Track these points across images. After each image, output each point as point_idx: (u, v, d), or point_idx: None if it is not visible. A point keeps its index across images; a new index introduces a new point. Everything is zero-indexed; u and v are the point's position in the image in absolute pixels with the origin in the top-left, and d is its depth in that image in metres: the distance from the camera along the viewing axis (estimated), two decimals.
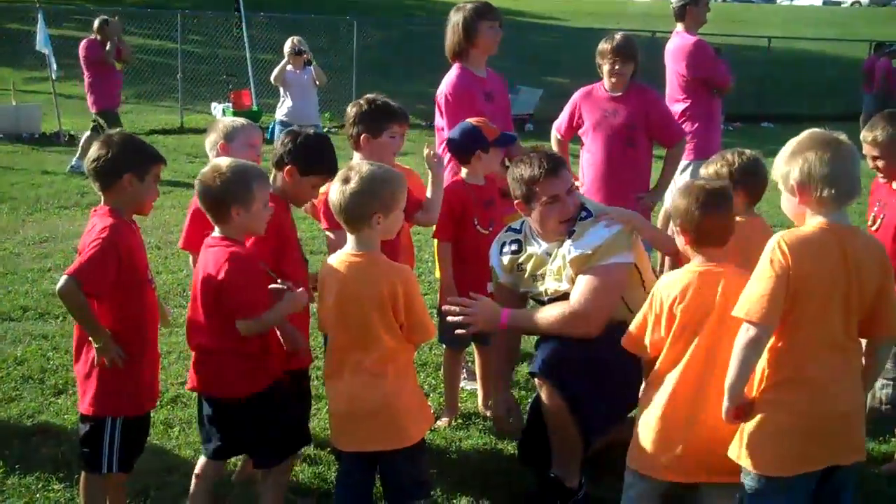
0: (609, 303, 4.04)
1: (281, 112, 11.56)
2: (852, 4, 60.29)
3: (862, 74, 19.57)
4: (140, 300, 3.72)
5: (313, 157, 4.14)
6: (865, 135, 4.56)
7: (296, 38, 11.61)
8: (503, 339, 4.57)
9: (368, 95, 4.74)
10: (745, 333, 3.09)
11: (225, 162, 3.59)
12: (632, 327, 3.58)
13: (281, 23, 19.58)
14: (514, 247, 4.43)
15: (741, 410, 3.18)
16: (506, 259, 4.44)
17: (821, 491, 3.20)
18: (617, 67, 5.84)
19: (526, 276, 4.38)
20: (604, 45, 5.93)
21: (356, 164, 3.58)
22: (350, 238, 3.54)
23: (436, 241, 5.00)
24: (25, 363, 5.83)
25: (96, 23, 12.49)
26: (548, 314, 4.11)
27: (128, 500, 4.05)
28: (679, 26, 7.43)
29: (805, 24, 35.69)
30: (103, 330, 3.57)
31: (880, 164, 4.55)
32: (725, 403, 3.18)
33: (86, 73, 12.34)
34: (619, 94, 5.93)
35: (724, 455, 3.25)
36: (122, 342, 3.62)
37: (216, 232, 3.62)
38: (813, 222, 3.13)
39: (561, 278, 4.18)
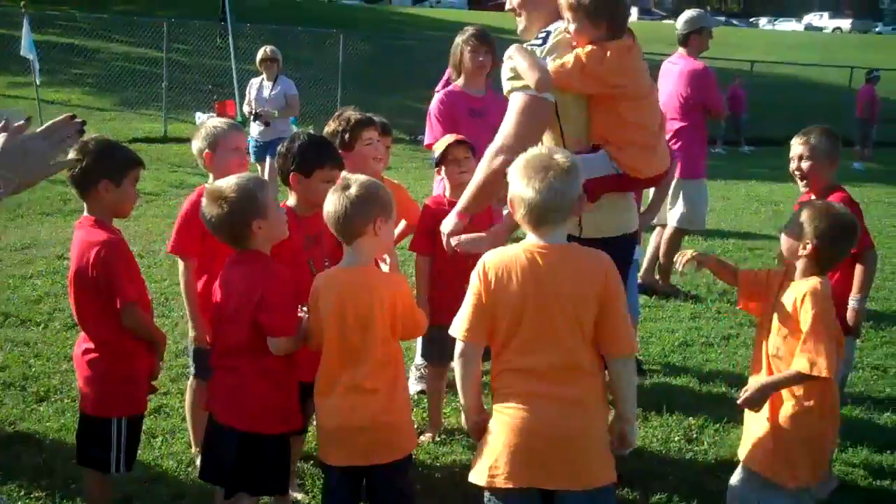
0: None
1: (255, 130, 11.03)
2: (834, 30, 60.99)
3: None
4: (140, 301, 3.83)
5: (312, 153, 4.14)
6: (801, 137, 4.53)
7: (269, 48, 11.40)
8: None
9: (338, 114, 4.79)
10: (456, 349, 3.26)
11: (223, 185, 3.55)
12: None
13: (267, 34, 19.57)
14: None
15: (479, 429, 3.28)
16: None
17: None
18: None
19: None
20: None
21: (351, 175, 3.59)
22: (347, 251, 3.54)
23: (415, 253, 5.02)
24: (7, 370, 5.80)
25: None
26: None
27: None
28: (681, 50, 7.89)
29: (787, 49, 36.00)
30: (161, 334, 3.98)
31: (805, 165, 4.48)
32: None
33: None
34: None
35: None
36: (127, 343, 3.77)
37: (238, 249, 3.58)
38: (523, 242, 3.20)
39: None
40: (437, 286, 4.87)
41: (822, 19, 68.25)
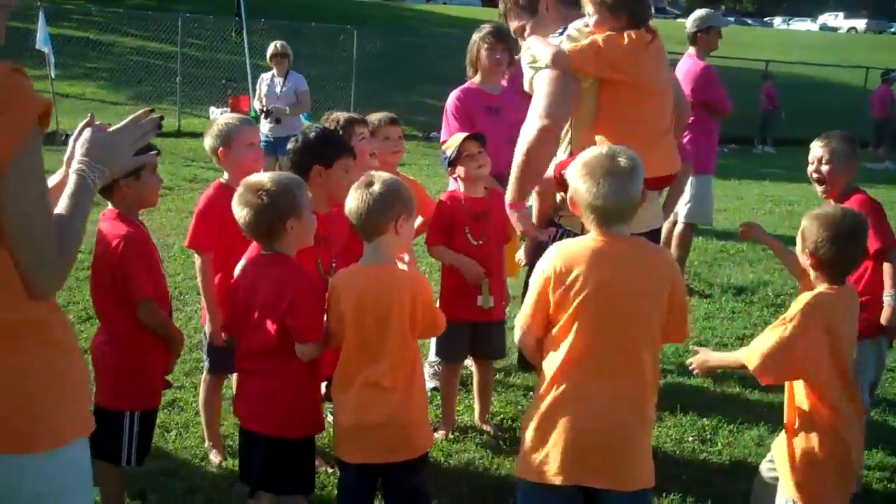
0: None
1: (265, 127, 10.71)
2: (848, 30, 60.72)
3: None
4: (158, 297, 3.83)
5: (333, 143, 4.16)
6: (822, 141, 4.53)
7: (279, 43, 11.30)
8: None
9: (325, 118, 4.84)
10: (515, 336, 3.36)
11: (264, 177, 3.50)
12: None
13: (281, 30, 19.57)
14: None
15: None
16: None
17: None
18: None
19: None
20: None
21: (374, 172, 3.59)
22: (367, 248, 3.54)
23: (428, 247, 5.01)
24: None
25: None
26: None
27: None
28: (691, 49, 8.06)
29: (801, 49, 35.85)
30: (178, 332, 3.95)
31: (825, 168, 4.49)
32: None
33: None
34: None
35: None
36: (142, 337, 3.77)
37: (265, 249, 3.53)
38: (590, 234, 3.20)
39: None
40: (451, 281, 4.91)
41: (836, 19, 67.95)
